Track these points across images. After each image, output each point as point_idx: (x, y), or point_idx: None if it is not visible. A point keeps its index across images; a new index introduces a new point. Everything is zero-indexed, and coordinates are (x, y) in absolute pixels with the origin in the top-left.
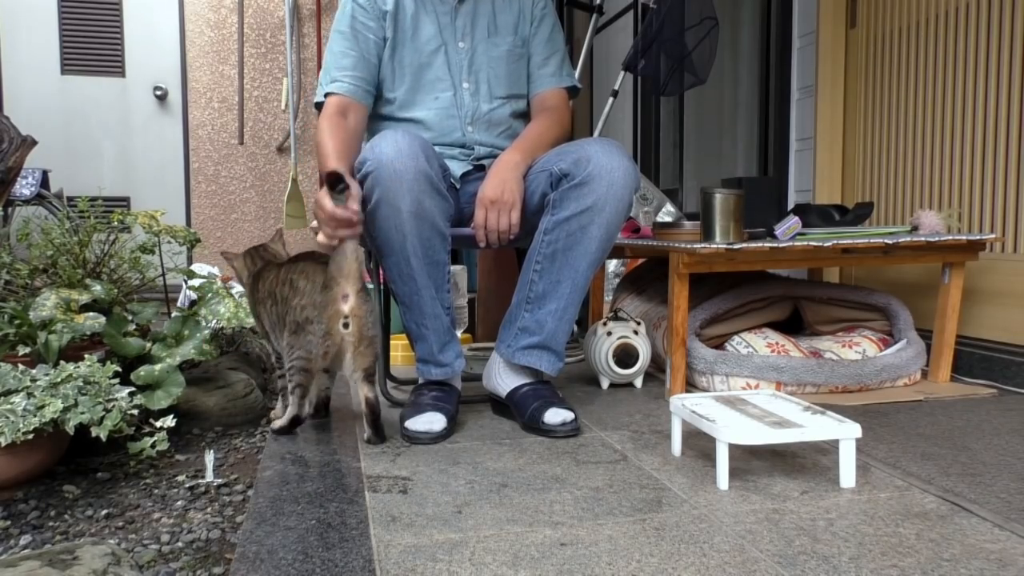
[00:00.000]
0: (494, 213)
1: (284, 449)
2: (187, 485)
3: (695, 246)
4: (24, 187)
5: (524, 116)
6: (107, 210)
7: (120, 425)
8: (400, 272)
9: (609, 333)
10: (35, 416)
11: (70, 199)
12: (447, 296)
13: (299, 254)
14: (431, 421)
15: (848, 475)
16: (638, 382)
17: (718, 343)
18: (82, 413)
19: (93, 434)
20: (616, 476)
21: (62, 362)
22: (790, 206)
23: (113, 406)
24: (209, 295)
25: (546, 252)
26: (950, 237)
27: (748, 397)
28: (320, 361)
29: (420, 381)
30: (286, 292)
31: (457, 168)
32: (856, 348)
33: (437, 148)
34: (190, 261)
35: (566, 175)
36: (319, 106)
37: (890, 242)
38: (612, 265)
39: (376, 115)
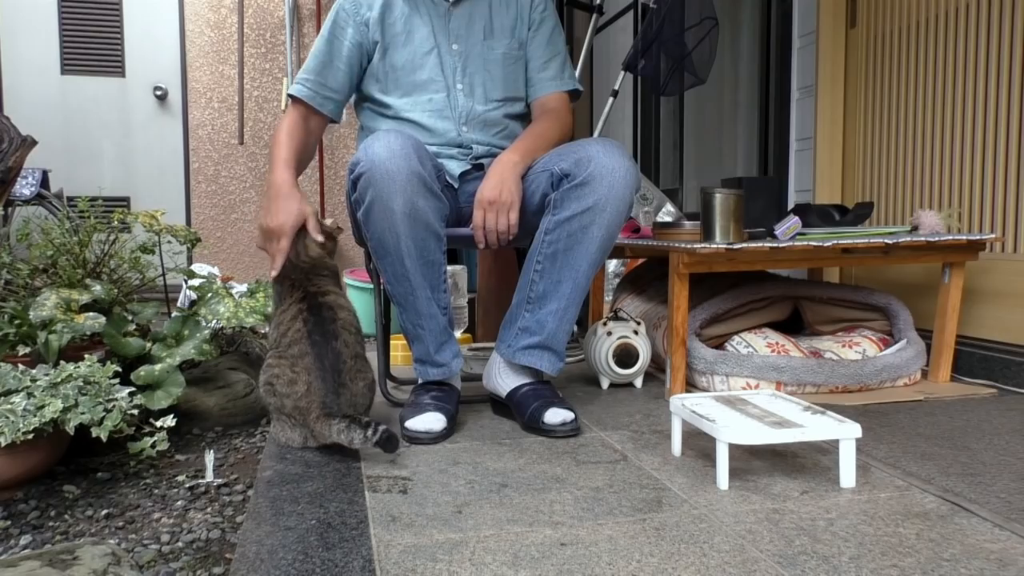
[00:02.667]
0: (492, 214)
1: (284, 449)
2: (187, 485)
3: (695, 246)
4: (24, 187)
5: (521, 118)
6: (107, 210)
7: (120, 425)
8: (395, 273)
9: (609, 333)
10: (35, 416)
11: (70, 199)
12: (444, 296)
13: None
14: (431, 421)
15: (848, 475)
16: (638, 382)
17: (718, 343)
18: (82, 413)
19: (93, 434)
20: (616, 476)
21: (62, 362)
22: (790, 206)
23: (113, 406)
24: (209, 295)
25: (547, 252)
26: (950, 237)
27: (748, 397)
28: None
29: (419, 381)
30: (282, 371)
31: (455, 167)
32: (856, 348)
33: (434, 149)
34: (190, 261)
35: (567, 175)
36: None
37: (890, 242)
38: (612, 265)
39: (373, 118)
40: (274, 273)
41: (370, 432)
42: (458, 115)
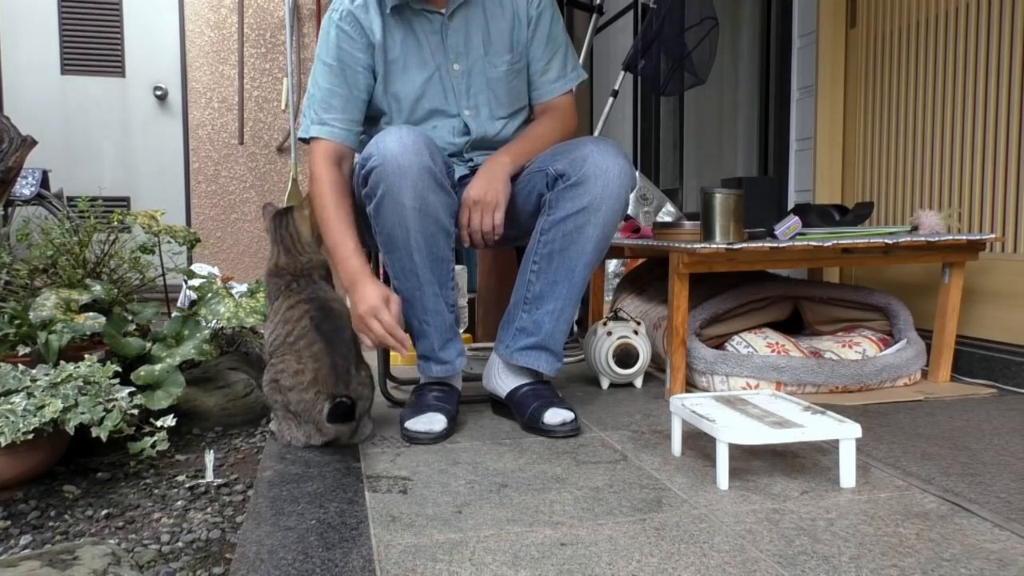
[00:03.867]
0: (477, 213)
1: (284, 449)
2: (187, 485)
3: (695, 246)
4: (24, 187)
5: (526, 125)
6: (107, 210)
7: (120, 425)
8: (403, 268)
9: (609, 333)
10: (35, 416)
11: (70, 199)
12: (450, 293)
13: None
14: (431, 421)
15: (848, 475)
16: (638, 382)
17: (718, 343)
18: (82, 413)
19: (93, 434)
20: (616, 476)
21: (62, 362)
22: (790, 206)
23: (113, 406)
24: (209, 295)
25: (543, 252)
26: (950, 237)
27: (748, 397)
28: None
29: (421, 380)
30: (288, 364)
31: (455, 171)
32: (856, 348)
33: None
34: (190, 261)
35: (562, 175)
36: (305, 140)
37: (890, 242)
38: (612, 265)
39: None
40: (405, 352)
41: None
42: (466, 142)
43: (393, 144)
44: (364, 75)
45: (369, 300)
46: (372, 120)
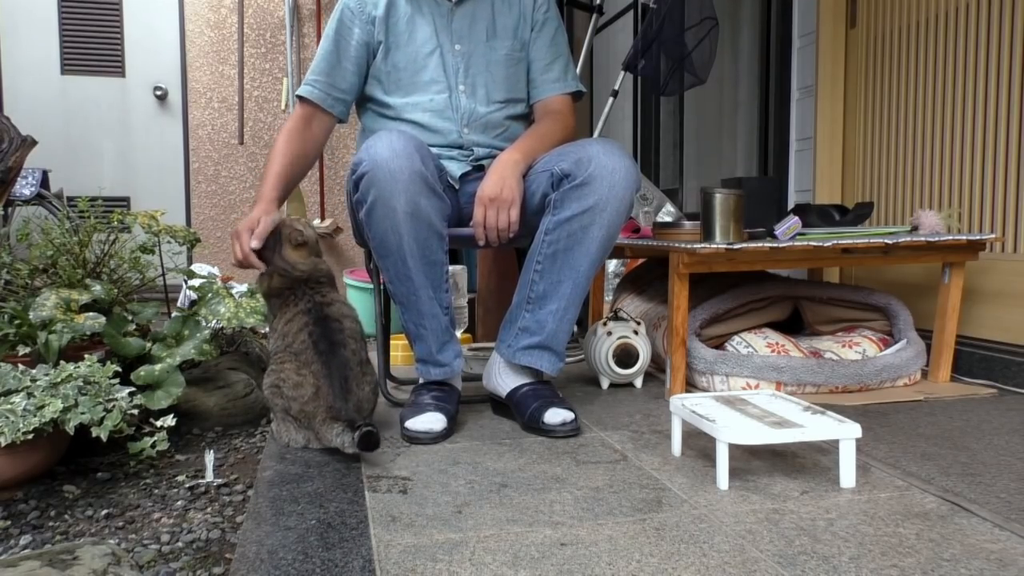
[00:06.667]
0: (493, 211)
1: (284, 449)
2: (187, 485)
3: (695, 246)
4: (24, 187)
5: (523, 119)
6: (107, 210)
7: (120, 425)
8: (397, 272)
9: (609, 333)
10: (35, 416)
11: (70, 199)
12: (445, 296)
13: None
14: (431, 421)
15: (848, 475)
16: (638, 382)
17: (718, 343)
18: (82, 413)
19: (93, 434)
20: (616, 476)
21: (62, 362)
22: (790, 206)
23: (113, 406)
24: (209, 295)
25: (547, 252)
26: (950, 237)
27: (748, 397)
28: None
29: (420, 381)
30: (288, 375)
31: (456, 168)
32: (856, 348)
33: (435, 150)
34: (190, 261)
35: (567, 175)
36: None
37: (890, 242)
38: (612, 265)
39: (374, 119)
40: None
41: (357, 435)
42: (459, 116)
43: (384, 150)
44: (355, 48)
45: (243, 222)
46: (371, 99)
